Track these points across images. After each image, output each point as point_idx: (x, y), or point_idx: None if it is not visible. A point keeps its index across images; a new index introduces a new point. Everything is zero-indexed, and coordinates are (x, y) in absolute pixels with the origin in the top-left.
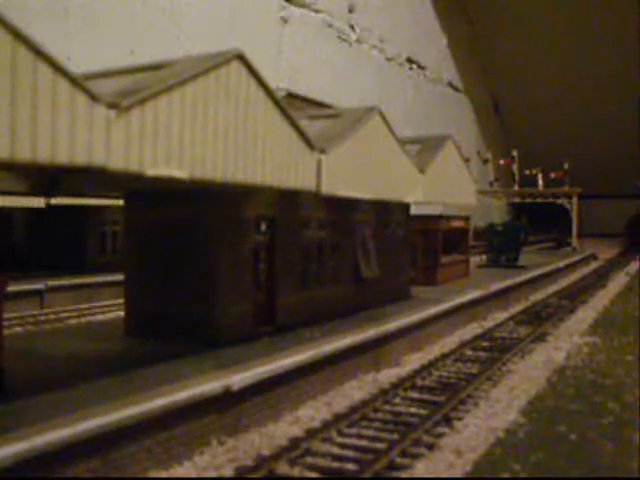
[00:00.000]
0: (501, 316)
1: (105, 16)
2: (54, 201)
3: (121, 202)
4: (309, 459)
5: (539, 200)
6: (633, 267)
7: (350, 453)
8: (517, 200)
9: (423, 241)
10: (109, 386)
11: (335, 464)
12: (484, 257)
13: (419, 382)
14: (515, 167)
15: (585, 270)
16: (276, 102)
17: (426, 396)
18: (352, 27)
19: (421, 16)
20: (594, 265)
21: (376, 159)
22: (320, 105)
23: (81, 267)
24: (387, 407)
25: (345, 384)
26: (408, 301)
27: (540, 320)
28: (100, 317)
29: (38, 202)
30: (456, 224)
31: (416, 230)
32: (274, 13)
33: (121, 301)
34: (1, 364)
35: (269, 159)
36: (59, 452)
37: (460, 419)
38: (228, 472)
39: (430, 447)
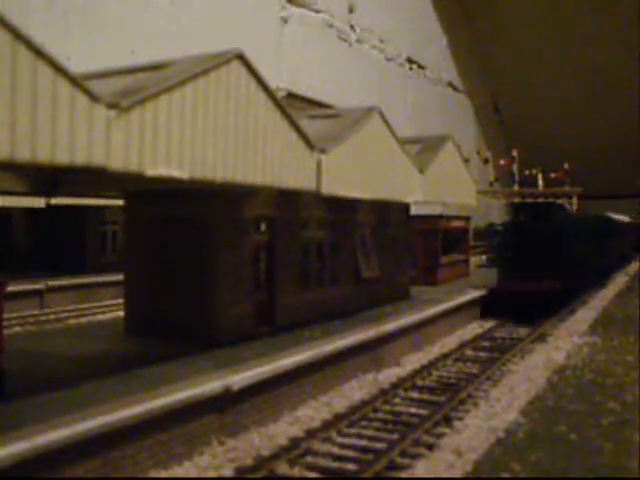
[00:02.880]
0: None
1: (105, 16)
2: (54, 201)
3: (121, 202)
4: (309, 459)
5: (539, 200)
6: (633, 267)
7: (350, 453)
8: (517, 200)
9: (423, 241)
10: (109, 386)
11: (335, 464)
12: (484, 257)
13: (419, 382)
14: (515, 167)
15: None
16: (276, 102)
17: (426, 396)
18: (352, 27)
19: (421, 16)
20: None
21: (376, 159)
22: (320, 105)
23: (81, 267)
24: (387, 407)
25: (345, 384)
26: (408, 301)
27: (540, 320)
28: (100, 317)
29: (38, 202)
30: (456, 224)
31: (416, 230)
32: (274, 13)
33: (121, 301)
34: (1, 364)
35: (269, 159)
36: (59, 452)
37: (460, 419)
38: (228, 472)
39: (430, 447)
